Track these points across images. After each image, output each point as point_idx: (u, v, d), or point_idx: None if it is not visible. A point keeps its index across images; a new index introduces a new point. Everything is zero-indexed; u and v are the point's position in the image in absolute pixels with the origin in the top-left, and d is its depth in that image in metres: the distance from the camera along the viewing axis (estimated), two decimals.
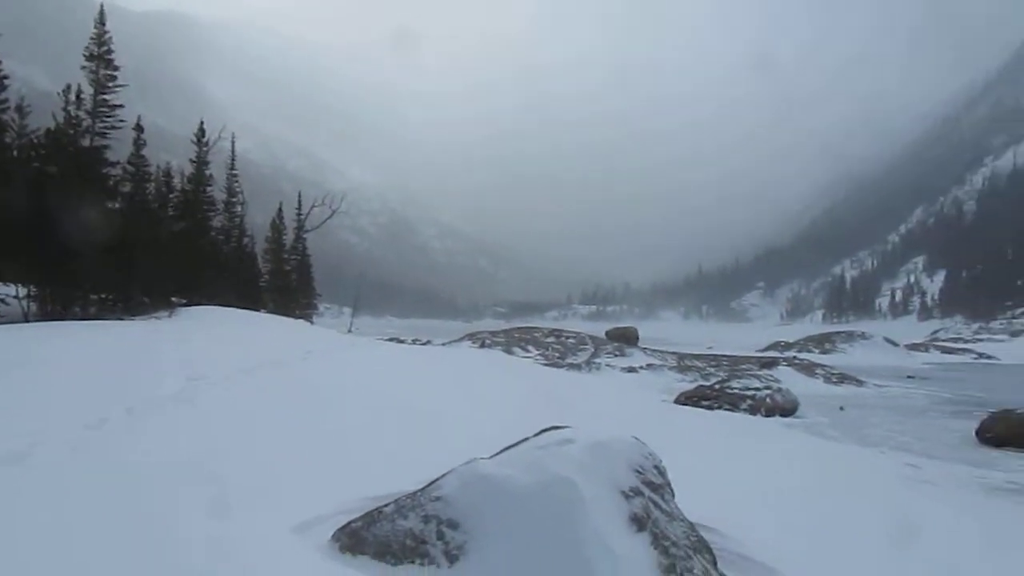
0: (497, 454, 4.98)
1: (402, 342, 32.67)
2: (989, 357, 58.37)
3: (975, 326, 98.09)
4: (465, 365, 15.54)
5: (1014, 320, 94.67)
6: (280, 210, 34.45)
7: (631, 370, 29.62)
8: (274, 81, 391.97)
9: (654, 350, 35.83)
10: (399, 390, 10.25)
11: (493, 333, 37.42)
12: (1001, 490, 10.73)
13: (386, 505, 4.83)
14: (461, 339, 36.86)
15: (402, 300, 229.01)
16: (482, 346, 32.97)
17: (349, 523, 4.78)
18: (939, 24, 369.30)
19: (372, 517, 4.73)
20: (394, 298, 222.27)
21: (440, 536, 4.35)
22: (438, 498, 4.55)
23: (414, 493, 4.80)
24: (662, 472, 5.08)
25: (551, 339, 35.39)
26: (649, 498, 4.66)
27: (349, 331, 31.57)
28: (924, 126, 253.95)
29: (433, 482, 4.77)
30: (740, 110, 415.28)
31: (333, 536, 4.68)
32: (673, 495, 5.05)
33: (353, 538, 4.59)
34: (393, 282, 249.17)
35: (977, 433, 15.97)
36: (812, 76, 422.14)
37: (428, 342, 37.19)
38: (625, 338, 39.11)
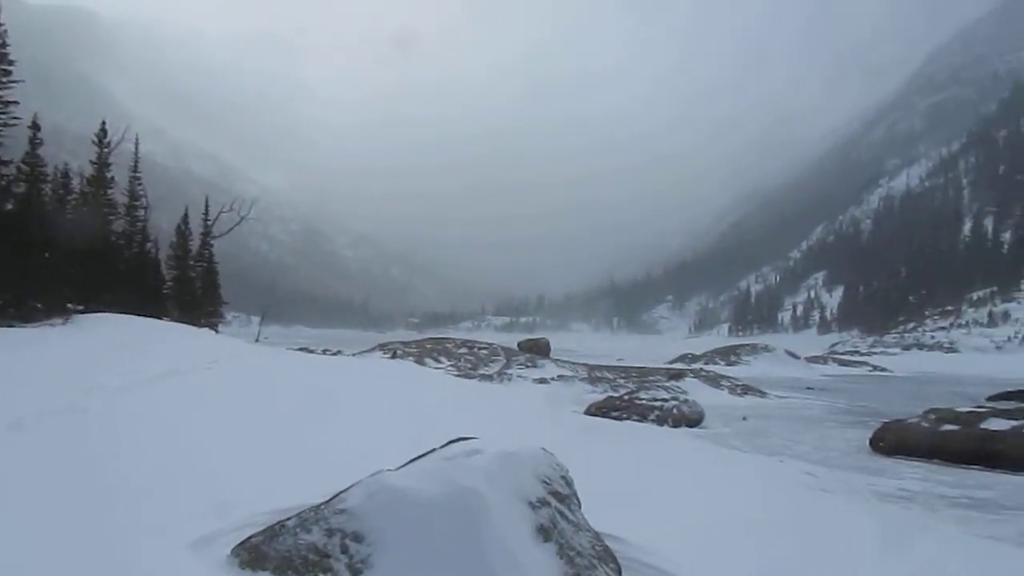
0: (404, 465, 4.93)
1: (312, 352, 32.04)
2: (883, 369, 60.97)
3: (870, 340, 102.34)
4: (375, 376, 15.36)
5: (906, 334, 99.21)
6: (186, 215, 33.33)
7: (542, 381, 29.80)
8: (183, 81, 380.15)
9: (565, 361, 36.16)
10: (306, 401, 10.06)
11: (405, 344, 37.13)
12: (892, 497, 11.20)
13: (289, 519, 4.73)
14: (372, 349, 36.43)
15: (313, 309, 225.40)
16: (394, 356, 32.65)
17: (250, 537, 4.66)
18: (843, 52, 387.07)
19: (274, 531, 4.62)
20: (305, 307, 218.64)
21: (344, 550, 4.28)
22: (343, 511, 4.48)
23: (318, 506, 4.71)
24: (569, 483, 5.13)
25: (463, 350, 35.33)
26: (556, 508, 4.69)
27: (257, 340, 30.80)
28: (826, 147, 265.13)
29: (338, 494, 4.70)
30: (658, 129, 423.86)
31: (232, 551, 4.54)
32: (580, 505, 5.10)
33: (253, 553, 4.47)
34: (304, 291, 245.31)
35: (871, 442, 16.60)
36: (725, 101, 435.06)
37: (339, 352, 36.59)
38: (537, 349, 39.36)
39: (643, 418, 19.66)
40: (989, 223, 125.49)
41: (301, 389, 11.06)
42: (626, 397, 21.93)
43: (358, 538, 4.29)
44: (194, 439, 7.51)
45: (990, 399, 26.31)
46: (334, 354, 33.45)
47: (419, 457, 5.06)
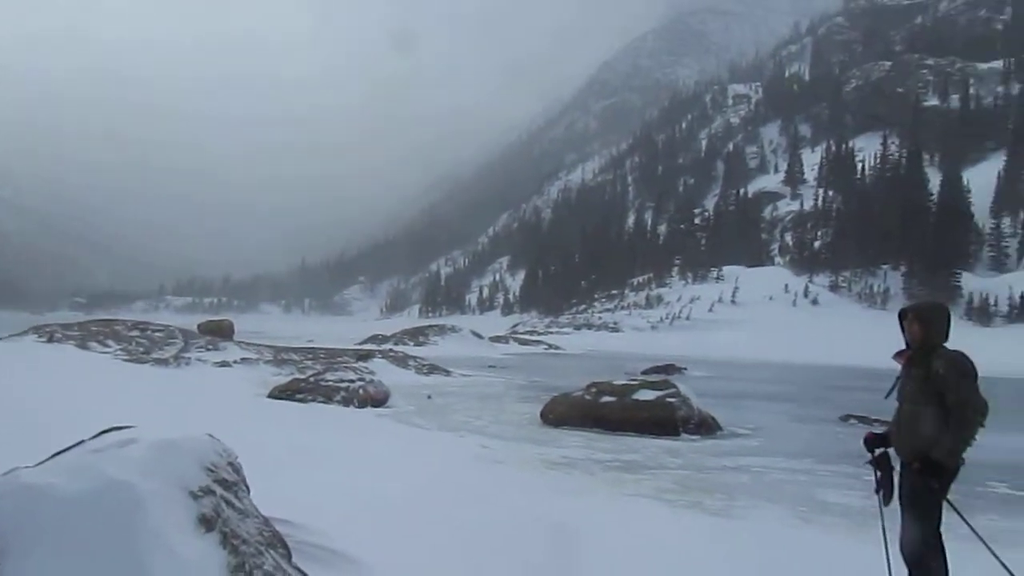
0: (45, 460, 4.46)
1: None
2: (556, 348, 66.05)
3: (547, 320, 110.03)
4: (22, 363, 13.73)
5: (578, 315, 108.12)
6: None
7: (224, 364, 28.39)
8: None
9: (250, 344, 34.81)
10: None
11: (66, 326, 33.32)
12: (557, 464, 12.20)
13: None
14: (25, 332, 32.26)
15: None
16: (51, 340, 29.21)
17: None
18: (534, 53, 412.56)
19: None
20: None
21: None
22: None
23: None
24: (237, 469, 4.94)
25: (135, 332, 32.51)
26: (221, 496, 4.50)
27: None
28: (514, 138, 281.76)
29: None
30: (352, 112, 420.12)
31: None
32: (249, 491, 4.94)
33: None
34: None
35: (541, 415, 17.88)
36: (421, 89, 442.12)
37: None
38: (219, 331, 37.41)
39: (329, 399, 19.54)
40: (648, 216, 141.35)
41: None
42: (312, 379, 21.66)
43: None
44: None
45: (644, 372, 29.58)
46: None
47: (64, 450, 4.60)
